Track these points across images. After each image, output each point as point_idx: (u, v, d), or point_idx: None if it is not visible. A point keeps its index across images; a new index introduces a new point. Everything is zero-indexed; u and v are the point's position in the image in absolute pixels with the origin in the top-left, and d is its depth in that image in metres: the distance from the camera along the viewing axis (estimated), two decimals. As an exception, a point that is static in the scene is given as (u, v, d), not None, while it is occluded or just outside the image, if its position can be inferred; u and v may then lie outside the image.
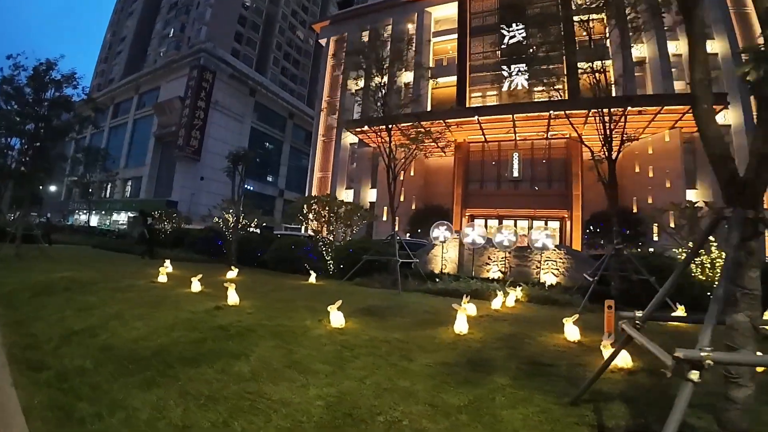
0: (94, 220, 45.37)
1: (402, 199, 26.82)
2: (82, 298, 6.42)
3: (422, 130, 14.41)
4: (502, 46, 26.98)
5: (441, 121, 23.21)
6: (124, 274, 9.25)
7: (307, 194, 29.49)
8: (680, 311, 8.06)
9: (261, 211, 18.69)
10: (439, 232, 13.41)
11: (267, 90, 46.55)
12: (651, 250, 17.00)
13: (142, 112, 46.41)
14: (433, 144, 15.52)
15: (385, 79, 12.84)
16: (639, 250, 21.33)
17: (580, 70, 10.36)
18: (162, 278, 8.52)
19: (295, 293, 8.19)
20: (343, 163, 28.72)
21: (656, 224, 11.89)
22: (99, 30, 77.28)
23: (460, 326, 5.36)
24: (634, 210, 22.87)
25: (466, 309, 5.53)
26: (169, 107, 40.77)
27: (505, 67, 27.68)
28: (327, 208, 14.51)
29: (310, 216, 14.94)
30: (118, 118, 50.11)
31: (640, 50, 24.04)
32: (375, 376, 3.59)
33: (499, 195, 26.54)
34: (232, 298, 6.32)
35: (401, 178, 27.31)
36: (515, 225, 27.55)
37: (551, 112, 20.73)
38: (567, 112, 21.10)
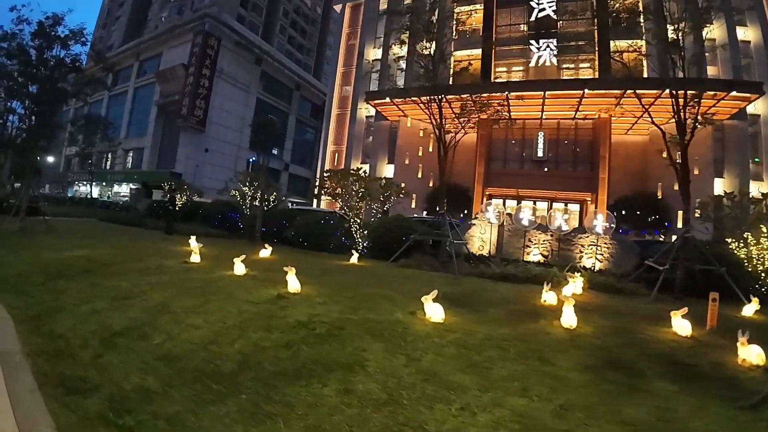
0: (95, 192, 44.23)
1: (420, 175, 26.08)
2: (110, 282, 5.64)
3: (483, 101, 13.18)
4: (530, 19, 25.67)
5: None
6: (146, 251, 8.57)
7: (320, 168, 28.61)
8: (754, 303, 7.50)
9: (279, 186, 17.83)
10: (490, 212, 12.73)
11: (273, 59, 44.74)
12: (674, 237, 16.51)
13: (143, 80, 44.54)
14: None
15: (433, 45, 11.74)
16: (663, 237, 20.93)
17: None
18: (195, 258, 7.79)
19: (348, 277, 7.56)
20: (359, 136, 27.73)
21: (698, 212, 11.21)
22: (94, -9, 73.77)
23: (569, 320, 4.73)
24: (659, 196, 22.29)
25: (572, 300, 4.87)
26: (171, 75, 39.05)
27: (533, 42, 26.45)
28: (357, 184, 13.75)
29: (339, 191, 14.19)
30: (118, 86, 48.16)
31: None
32: (534, 388, 2.96)
33: (521, 175, 25.85)
34: (293, 284, 5.60)
35: (420, 154, 26.73)
36: (534, 205, 27.04)
37: (585, 90, 19.75)
38: (599, 91, 20.24)
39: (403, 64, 27.06)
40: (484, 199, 25.36)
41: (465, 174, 25.35)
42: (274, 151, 45.00)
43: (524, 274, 8.49)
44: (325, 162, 29.23)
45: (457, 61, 27.67)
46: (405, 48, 13.65)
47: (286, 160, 46.68)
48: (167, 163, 38.51)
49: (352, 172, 13.75)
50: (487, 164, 25.87)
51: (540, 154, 26.16)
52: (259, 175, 15.25)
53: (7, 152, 16.30)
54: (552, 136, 26.35)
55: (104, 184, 45.15)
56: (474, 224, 14.11)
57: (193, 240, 8.57)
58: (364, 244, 13.47)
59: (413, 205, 24.89)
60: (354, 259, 10.11)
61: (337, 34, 31.44)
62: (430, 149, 26.47)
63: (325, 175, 14.54)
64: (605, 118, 21.71)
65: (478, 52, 26.17)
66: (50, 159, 53.68)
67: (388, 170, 25.88)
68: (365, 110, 27.53)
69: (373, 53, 28.42)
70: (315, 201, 26.45)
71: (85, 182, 47.37)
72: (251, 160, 39.51)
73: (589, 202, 24.74)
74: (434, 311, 4.52)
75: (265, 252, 9.55)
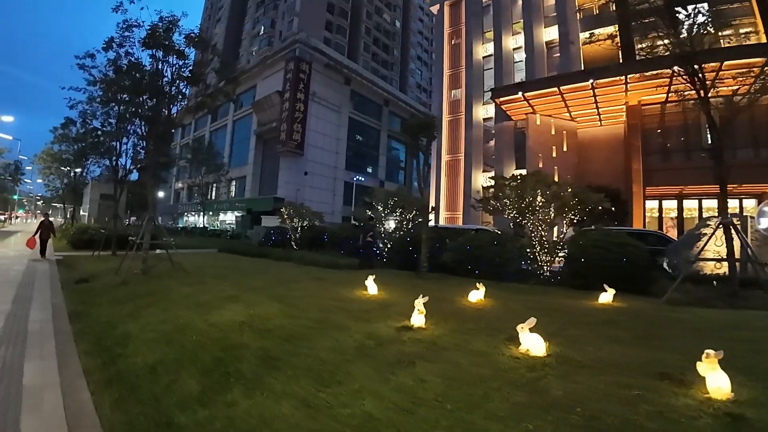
0: (202, 222, 46.50)
1: (556, 178, 22.19)
2: (331, 393, 2.90)
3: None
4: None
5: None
6: (319, 302, 5.99)
7: (435, 182, 25.99)
8: None
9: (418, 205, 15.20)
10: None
11: (361, 77, 43.96)
12: None
13: (240, 113, 46.42)
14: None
15: None
16: None
17: None
18: (418, 319, 4.85)
19: (635, 335, 4.49)
20: (477, 142, 24.62)
21: None
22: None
23: None
24: None
25: None
26: (267, 104, 39.81)
27: (680, 9, 21.63)
28: (540, 191, 10.68)
29: (507, 202, 11.21)
30: (217, 121, 51.01)
31: None
32: None
33: (686, 168, 20.68)
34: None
35: (553, 155, 22.89)
36: (700, 205, 21.72)
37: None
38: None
39: (520, 56, 23.70)
40: (645, 201, 20.66)
41: (605, 173, 21.11)
42: (369, 170, 43.78)
43: None
44: (441, 175, 26.48)
45: (585, 43, 23.69)
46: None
47: (380, 177, 45.17)
48: (268, 189, 38.92)
49: (532, 176, 10.70)
50: (644, 159, 21.15)
51: (709, 141, 20.89)
52: (400, 192, 12.86)
53: (124, 185, 15.67)
54: (722, 117, 20.94)
55: (210, 213, 47.34)
56: (704, 234, 10.13)
57: (371, 280, 5.99)
58: (548, 269, 10.33)
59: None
60: (607, 297, 6.83)
61: (439, 36, 28.95)
62: (564, 148, 22.54)
63: (489, 182, 11.55)
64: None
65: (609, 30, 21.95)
66: (160, 194, 58.86)
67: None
68: (480, 112, 24.43)
69: (483, 50, 25.44)
70: (432, 218, 23.76)
71: (193, 212, 50.28)
72: (360, 179, 38.50)
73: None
74: None
75: (478, 294, 6.74)
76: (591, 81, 18.36)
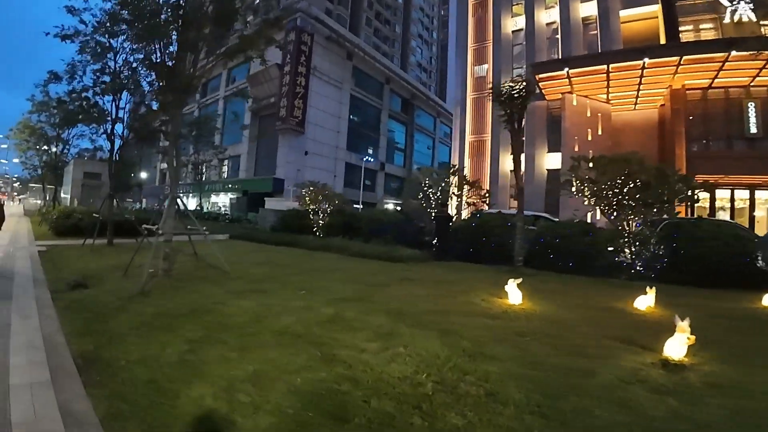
0: (191, 205, 43.70)
1: (591, 165, 20.86)
2: None
3: None
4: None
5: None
6: (487, 319, 4.47)
7: (455, 164, 24.21)
8: None
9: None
10: None
11: (364, 53, 41.35)
12: None
13: (233, 87, 43.28)
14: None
15: None
16: None
17: None
18: (678, 350, 3.35)
19: None
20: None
21: None
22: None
23: None
24: None
25: None
26: (265, 77, 36.98)
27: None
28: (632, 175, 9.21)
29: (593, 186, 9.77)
30: (207, 97, 47.69)
31: None
32: None
33: (729, 157, 19.55)
34: None
35: (589, 138, 21.49)
36: (752, 196, 20.70)
37: None
38: None
39: (552, 32, 21.93)
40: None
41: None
42: (369, 150, 41.72)
43: None
44: (465, 156, 24.72)
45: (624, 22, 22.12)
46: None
47: (381, 159, 43.10)
48: (265, 169, 36.51)
49: (628, 156, 9.15)
50: (688, 145, 19.96)
51: (754, 129, 19.81)
52: (441, 172, 11.11)
53: (120, 159, 12.96)
54: (766, 105, 19.93)
55: (200, 194, 44.58)
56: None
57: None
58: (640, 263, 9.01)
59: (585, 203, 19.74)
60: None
61: (462, 8, 26.75)
62: (599, 132, 21.11)
63: (572, 162, 9.94)
64: None
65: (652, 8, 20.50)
66: (143, 174, 55.34)
67: (550, 160, 20.84)
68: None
69: (512, 23, 23.53)
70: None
71: (182, 194, 47.32)
72: (370, 160, 36.06)
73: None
74: None
75: (646, 300, 5.31)
76: (644, 60, 16.89)
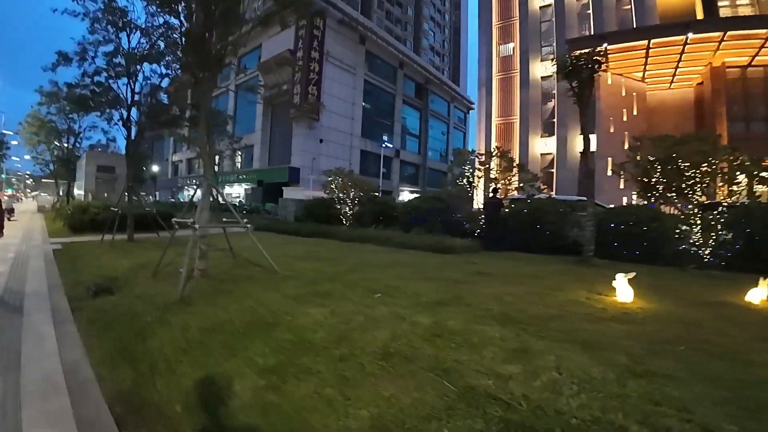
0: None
1: (626, 146, 19.64)
2: None
3: None
4: None
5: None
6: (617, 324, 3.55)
7: (480, 148, 23.04)
8: None
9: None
10: None
11: (377, 36, 39.86)
12: None
13: (243, 76, 42.17)
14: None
15: None
16: None
17: None
18: None
19: None
20: (535, 103, 21.55)
21: None
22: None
23: None
24: None
25: None
26: (276, 64, 35.86)
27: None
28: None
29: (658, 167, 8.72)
30: (218, 87, 46.75)
31: None
32: None
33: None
34: None
35: (624, 118, 20.24)
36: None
37: None
38: None
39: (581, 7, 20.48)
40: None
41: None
42: (384, 137, 40.51)
43: None
44: (492, 138, 23.54)
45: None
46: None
47: (396, 146, 41.89)
48: (280, 158, 35.62)
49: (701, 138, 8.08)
50: (729, 126, 18.64)
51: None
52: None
53: (138, 148, 12.55)
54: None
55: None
56: None
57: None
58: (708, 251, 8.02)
59: (621, 186, 18.58)
60: None
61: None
62: (634, 112, 19.80)
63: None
64: None
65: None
66: (155, 167, 54.80)
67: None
68: (538, 69, 21.36)
69: (539, -1, 22.10)
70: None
71: (194, 186, 46.76)
72: (389, 146, 34.77)
73: None
74: None
75: (760, 293, 4.48)
76: (688, 35, 15.67)
